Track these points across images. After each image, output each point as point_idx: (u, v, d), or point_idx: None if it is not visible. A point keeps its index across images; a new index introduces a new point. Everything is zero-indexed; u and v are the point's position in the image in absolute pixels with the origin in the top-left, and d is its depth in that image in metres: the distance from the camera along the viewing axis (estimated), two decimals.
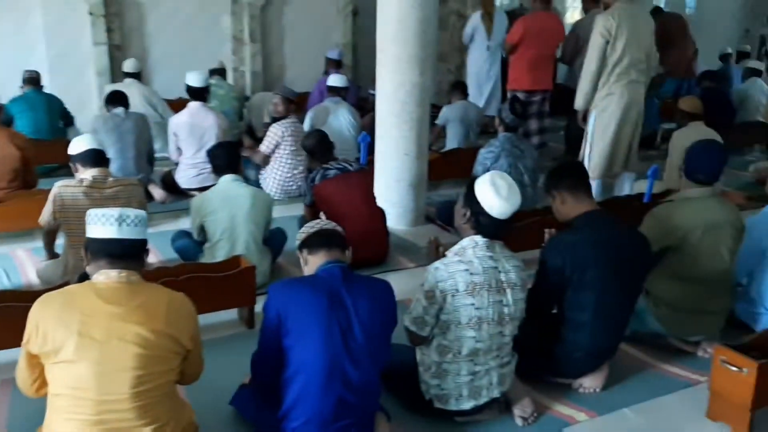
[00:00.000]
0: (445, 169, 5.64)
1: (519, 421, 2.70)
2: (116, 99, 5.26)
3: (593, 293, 2.74)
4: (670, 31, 7.15)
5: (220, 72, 6.91)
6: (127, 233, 2.10)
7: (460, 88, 6.55)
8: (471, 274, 2.47)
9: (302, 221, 4.17)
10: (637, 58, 4.81)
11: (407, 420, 2.68)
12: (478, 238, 2.55)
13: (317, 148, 4.30)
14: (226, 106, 6.44)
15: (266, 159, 5.46)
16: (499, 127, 4.61)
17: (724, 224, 3.12)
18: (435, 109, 6.57)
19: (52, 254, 3.94)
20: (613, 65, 4.80)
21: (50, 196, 3.59)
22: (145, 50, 7.53)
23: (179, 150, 5.36)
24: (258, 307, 3.25)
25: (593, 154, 5.03)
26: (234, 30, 7.96)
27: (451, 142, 6.29)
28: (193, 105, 5.35)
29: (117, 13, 7.25)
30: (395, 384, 2.74)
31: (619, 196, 5.01)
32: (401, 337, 2.63)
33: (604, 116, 4.93)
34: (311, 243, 2.41)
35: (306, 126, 5.69)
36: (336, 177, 4.11)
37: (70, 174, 3.84)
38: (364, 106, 6.90)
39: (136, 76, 6.45)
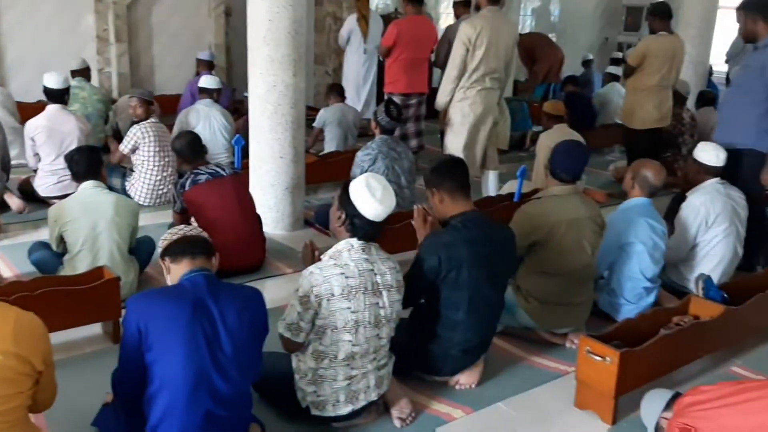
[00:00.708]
0: (324, 172, 5.60)
1: (397, 423, 2.70)
2: None
3: (467, 291, 2.79)
4: (534, 46, 8.79)
5: (82, 73, 6.44)
6: None
7: (336, 90, 6.52)
8: (347, 277, 2.44)
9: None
10: (493, 68, 5.02)
11: (284, 429, 2.62)
12: (354, 241, 2.52)
13: (187, 149, 4.12)
14: (89, 109, 6.05)
15: (123, 159, 5.23)
16: (375, 130, 4.62)
17: (585, 220, 3.27)
18: (313, 112, 6.54)
19: None
20: (470, 72, 4.99)
21: None
22: (0, 51, 7.02)
23: (37, 156, 5.00)
24: None
25: (450, 151, 5.17)
26: (98, 29, 7.55)
27: (330, 144, 6.25)
28: (52, 108, 5.00)
29: None
30: (270, 393, 2.67)
31: (491, 196, 5.16)
32: (276, 344, 2.57)
33: (459, 117, 5.10)
34: (173, 251, 2.29)
35: (175, 129, 5.46)
36: (207, 182, 3.96)
37: None
38: (239, 109, 6.74)
39: None
